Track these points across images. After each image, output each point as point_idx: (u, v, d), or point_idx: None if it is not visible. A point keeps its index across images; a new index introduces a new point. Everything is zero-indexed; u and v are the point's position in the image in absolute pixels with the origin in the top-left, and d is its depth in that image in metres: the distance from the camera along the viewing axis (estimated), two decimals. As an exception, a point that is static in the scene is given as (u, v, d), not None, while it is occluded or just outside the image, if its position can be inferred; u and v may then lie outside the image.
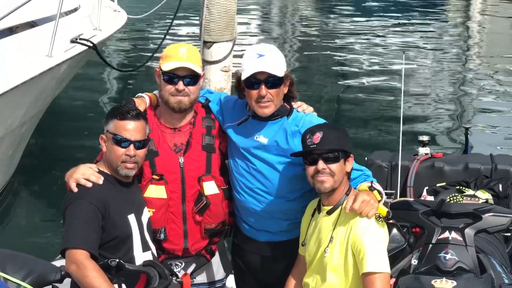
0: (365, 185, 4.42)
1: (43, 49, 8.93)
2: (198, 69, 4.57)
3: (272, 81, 4.49)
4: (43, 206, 9.89)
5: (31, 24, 9.60)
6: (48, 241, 8.30)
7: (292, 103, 4.66)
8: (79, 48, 9.48)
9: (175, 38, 17.48)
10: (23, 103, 8.96)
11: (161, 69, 4.58)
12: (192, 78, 4.56)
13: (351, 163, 4.40)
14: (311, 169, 4.32)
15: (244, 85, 4.53)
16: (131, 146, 4.30)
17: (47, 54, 8.90)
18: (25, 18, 9.41)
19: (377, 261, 4.16)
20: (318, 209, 4.45)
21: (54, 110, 11.62)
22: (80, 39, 9.46)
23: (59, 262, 4.37)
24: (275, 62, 4.51)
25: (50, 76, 9.20)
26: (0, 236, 9.06)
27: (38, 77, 8.73)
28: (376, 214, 4.26)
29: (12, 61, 8.67)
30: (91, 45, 9.52)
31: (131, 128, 4.30)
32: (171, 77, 4.54)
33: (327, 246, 4.29)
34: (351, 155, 4.40)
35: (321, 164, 4.28)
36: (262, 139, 4.59)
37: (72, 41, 9.39)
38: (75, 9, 10.67)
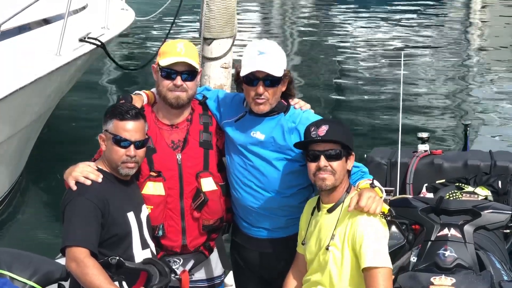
0: (365, 183, 4.41)
1: (51, 48, 8.96)
2: (195, 64, 4.57)
3: (270, 80, 4.48)
4: (51, 204, 9.87)
5: (39, 23, 9.64)
6: (56, 239, 8.32)
7: (290, 100, 4.66)
8: (88, 47, 9.51)
9: (178, 36, 17.48)
10: (32, 102, 8.98)
11: (158, 65, 4.58)
12: (190, 73, 4.56)
13: (352, 161, 4.39)
14: (312, 166, 4.30)
15: (243, 81, 4.54)
16: (132, 147, 4.29)
17: (55, 53, 8.94)
18: (34, 17, 9.45)
19: (378, 256, 4.15)
20: (317, 207, 4.43)
21: (61, 109, 11.67)
22: (89, 37, 9.47)
23: (60, 261, 4.40)
24: (275, 61, 4.50)
25: (59, 75, 9.23)
26: (9, 234, 9.11)
27: (46, 76, 8.77)
28: None
29: (21, 60, 8.71)
30: (99, 44, 9.55)
31: (131, 128, 4.29)
32: (169, 72, 4.54)
33: (329, 244, 4.27)
34: (353, 153, 4.39)
35: (323, 161, 4.27)
36: (259, 135, 4.59)
37: (81, 40, 9.42)
38: (83, 8, 10.70)
